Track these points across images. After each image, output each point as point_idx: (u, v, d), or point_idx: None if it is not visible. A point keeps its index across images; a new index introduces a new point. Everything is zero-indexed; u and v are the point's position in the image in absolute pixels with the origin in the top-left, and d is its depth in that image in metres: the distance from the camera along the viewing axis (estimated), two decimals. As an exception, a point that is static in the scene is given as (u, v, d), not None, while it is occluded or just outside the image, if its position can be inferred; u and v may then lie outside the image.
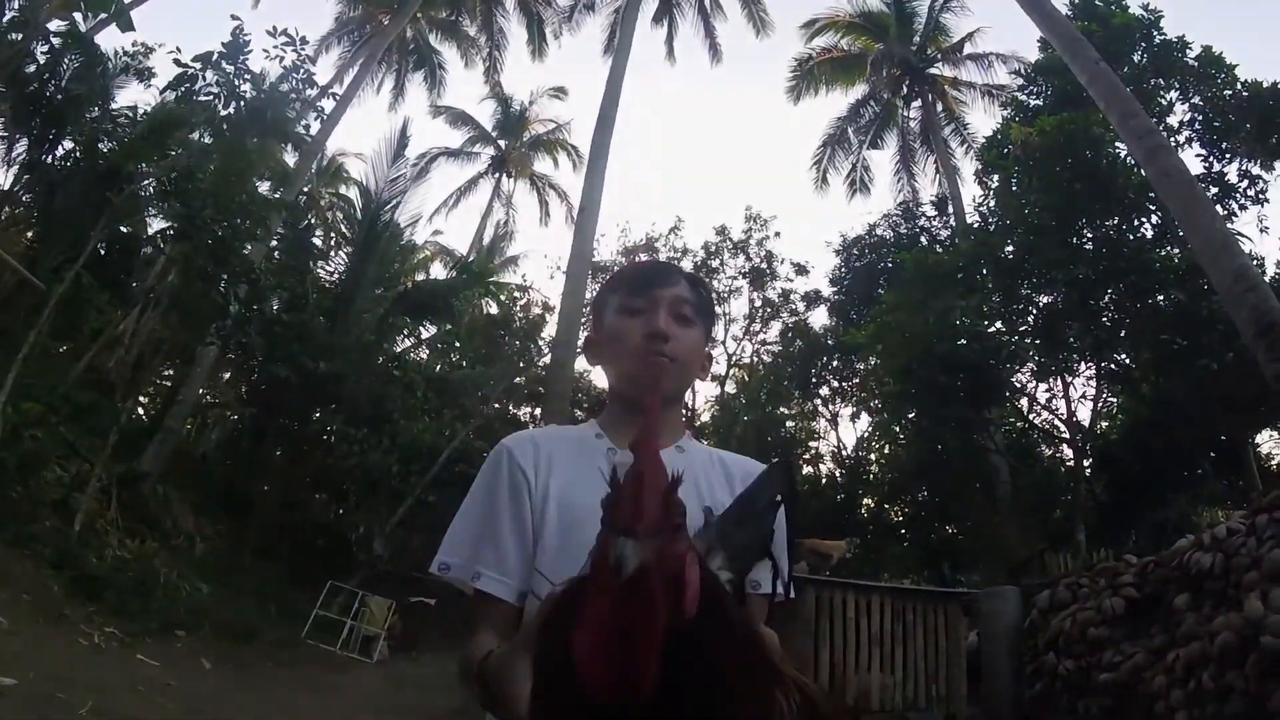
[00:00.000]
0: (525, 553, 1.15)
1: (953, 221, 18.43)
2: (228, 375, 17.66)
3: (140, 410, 15.54)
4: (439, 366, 19.65)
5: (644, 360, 1.20)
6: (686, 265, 22.73)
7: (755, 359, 22.98)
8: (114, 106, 11.89)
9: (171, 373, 15.16)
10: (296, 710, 7.61)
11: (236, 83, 11.17)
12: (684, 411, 1.24)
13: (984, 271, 12.62)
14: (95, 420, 10.44)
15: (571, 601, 0.69)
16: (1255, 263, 8.32)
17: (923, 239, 18.09)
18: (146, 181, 10.97)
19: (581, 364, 14.41)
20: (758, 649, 0.75)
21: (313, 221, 16.92)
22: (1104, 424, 14.88)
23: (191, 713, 6.11)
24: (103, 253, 11.35)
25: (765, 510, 1.06)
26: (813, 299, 21.61)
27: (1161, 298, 11.00)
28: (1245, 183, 11.33)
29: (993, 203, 13.40)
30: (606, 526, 0.62)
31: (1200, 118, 11.41)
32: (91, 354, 10.56)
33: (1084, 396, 13.34)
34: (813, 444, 21.93)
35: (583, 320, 14.48)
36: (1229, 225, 8.16)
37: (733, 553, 0.95)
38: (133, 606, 8.19)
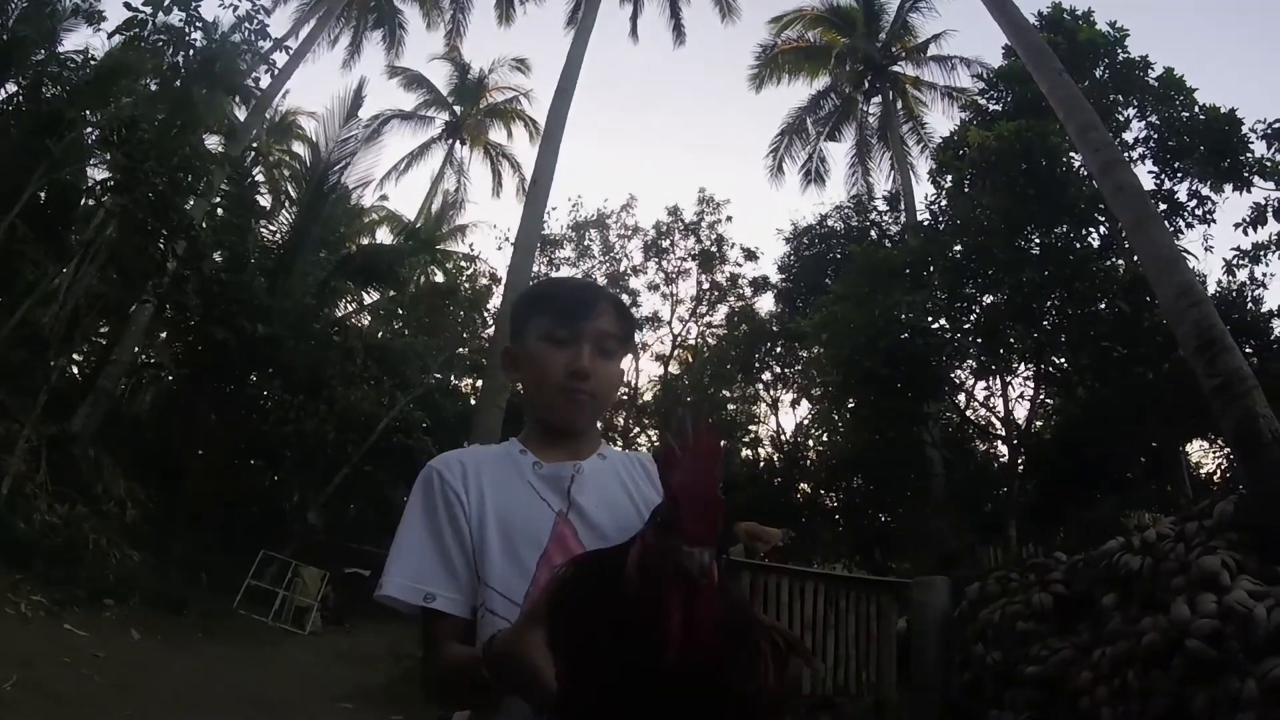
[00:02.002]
0: (470, 569, 1.18)
1: (904, 218, 18.70)
2: (164, 335, 16.99)
3: (74, 370, 14.92)
4: (380, 334, 19.27)
5: (565, 396, 1.27)
6: (636, 244, 22.77)
7: (700, 341, 23.09)
8: (61, 51, 11.27)
9: (106, 331, 14.51)
10: (226, 682, 7.44)
11: (187, 30, 10.66)
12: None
13: (931, 269, 12.83)
14: (26, 379, 9.97)
15: (578, 579, 0.94)
16: (1199, 279, 8.62)
17: (873, 233, 18.32)
18: (89, 130, 10.42)
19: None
20: (747, 609, 0.97)
21: (258, 179, 16.28)
22: (1039, 424, 15.35)
23: (119, 685, 5.92)
24: (42, 202, 10.75)
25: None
26: (760, 285, 21.74)
27: (1104, 306, 11.35)
28: (1194, 202, 11.68)
29: (944, 202, 13.61)
30: (679, 538, 0.81)
31: (1155, 136, 11.70)
32: (24, 309, 10.02)
33: (1021, 396, 13.76)
34: (752, 428, 22.20)
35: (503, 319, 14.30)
36: (1176, 242, 8.43)
37: None
38: (60, 574, 7.95)
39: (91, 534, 9.05)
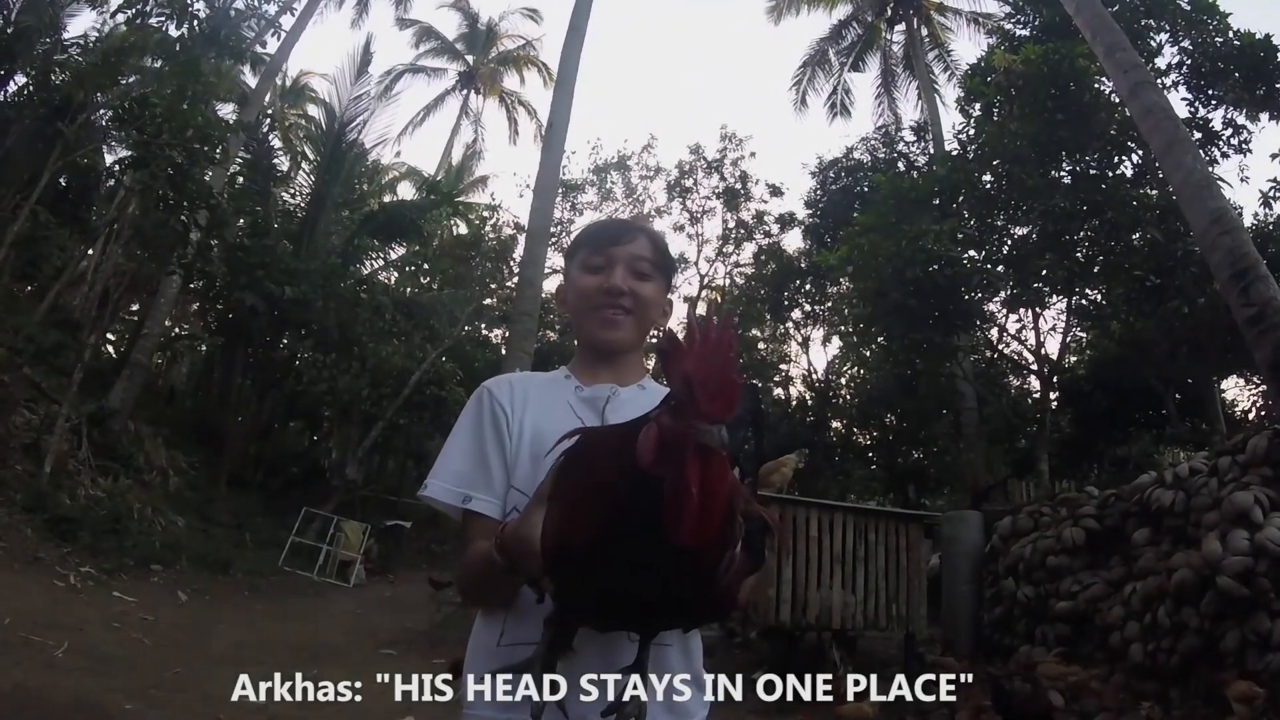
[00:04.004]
0: (507, 477, 1.27)
1: (931, 148, 18.17)
2: (195, 306, 17.26)
3: (109, 347, 15.23)
4: (408, 289, 19.34)
5: (600, 315, 1.35)
6: (659, 184, 22.43)
7: (728, 280, 22.87)
8: (66, 37, 11.25)
9: (136, 307, 14.76)
10: (272, 637, 7.68)
11: (189, 0, 10.54)
12: (656, 331, 1.41)
13: (960, 199, 12.51)
14: (61, 360, 10.22)
15: (581, 451, 0.98)
16: (1234, 210, 8.30)
17: (900, 164, 17.86)
18: (102, 111, 10.45)
19: (549, 285, 14.23)
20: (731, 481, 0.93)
21: (274, 144, 16.27)
22: (1072, 358, 15.10)
23: (168, 645, 6.15)
24: (63, 187, 10.86)
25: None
26: (787, 221, 21.31)
27: (1136, 236, 11.01)
28: (1229, 131, 11.22)
29: (972, 131, 13.19)
30: (697, 416, 0.81)
31: (1188, 62, 11.16)
32: (55, 292, 10.23)
33: (1054, 329, 13.49)
34: (783, 367, 22.07)
35: (551, 240, 14.23)
36: (1209, 169, 8.12)
37: None
38: (108, 545, 8.20)
39: (136, 503, 9.36)
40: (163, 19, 10.52)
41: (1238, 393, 14.07)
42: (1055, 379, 13.23)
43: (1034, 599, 7.20)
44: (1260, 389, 12.03)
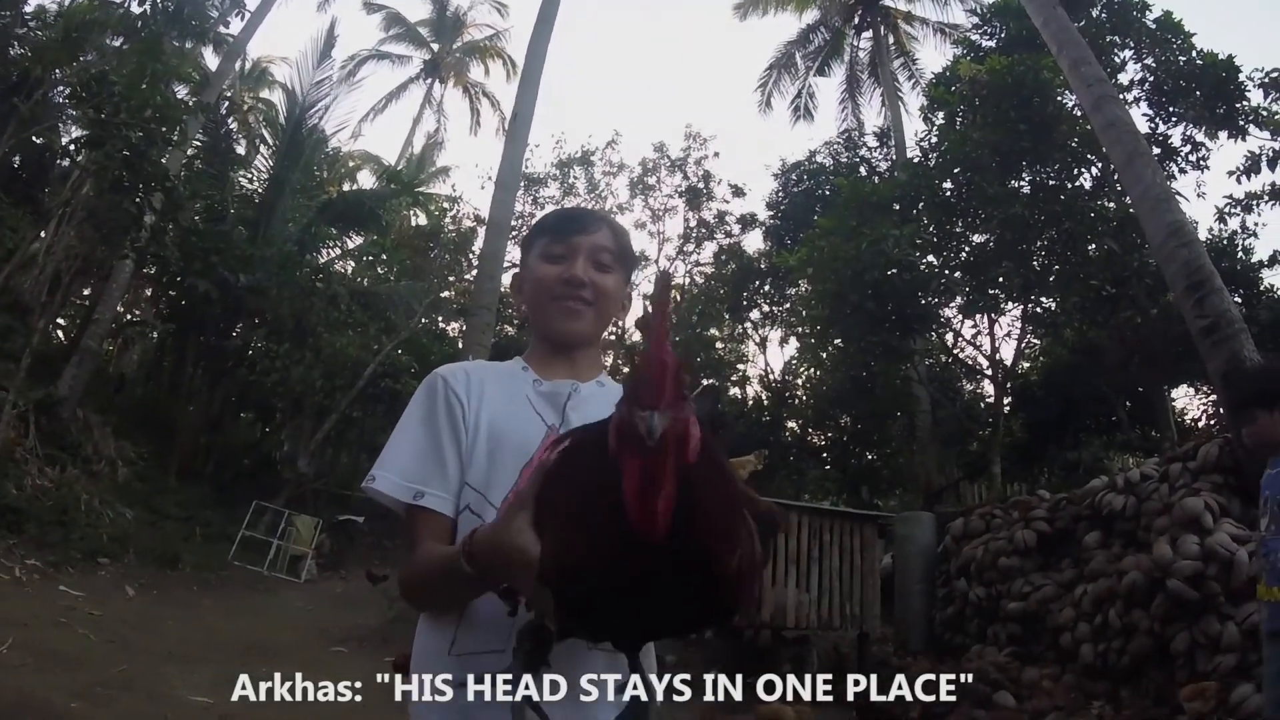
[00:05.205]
0: (460, 471, 1.21)
1: (893, 154, 18.42)
2: (147, 292, 16.76)
3: (59, 332, 14.73)
4: (364, 279, 19.04)
5: (559, 305, 1.31)
6: (622, 180, 22.35)
7: (687, 279, 22.90)
8: (26, 10, 10.82)
9: (89, 291, 14.29)
10: (221, 633, 7.51)
11: (153, -25, 10.23)
12: (614, 330, 1.29)
13: (920, 205, 12.69)
14: (9, 344, 9.86)
15: (567, 457, 0.94)
16: (1191, 224, 8.53)
17: (862, 169, 18.06)
18: (60, 89, 10.07)
19: (509, 278, 14.07)
20: (731, 479, 0.92)
21: (233, 127, 15.87)
22: (1025, 364, 15.40)
23: (115, 642, 5.99)
24: (16, 166, 10.44)
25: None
26: (748, 222, 21.37)
27: (1093, 247, 11.27)
28: (1188, 148, 11.54)
29: (935, 138, 13.38)
30: (635, 403, 0.78)
31: (1151, 79, 11.45)
32: (5, 275, 9.85)
33: (1009, 335, 13.72)
34: (741, 366, 22.16)
35: (512, 234, 14.07)
36: (1168, 185, 8.35)
37: None
38: (54, 537, 8.01)
39: (83, 494, 9.10)
40: (125, -3, 10.20)
41: (1188, 401, 14.51)
42: (1008, 384, 13.49)
43: (986, 599, 7.35)
44: (1211, 398, 12.39)
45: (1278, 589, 2.79)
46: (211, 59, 15.59)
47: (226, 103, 15.62)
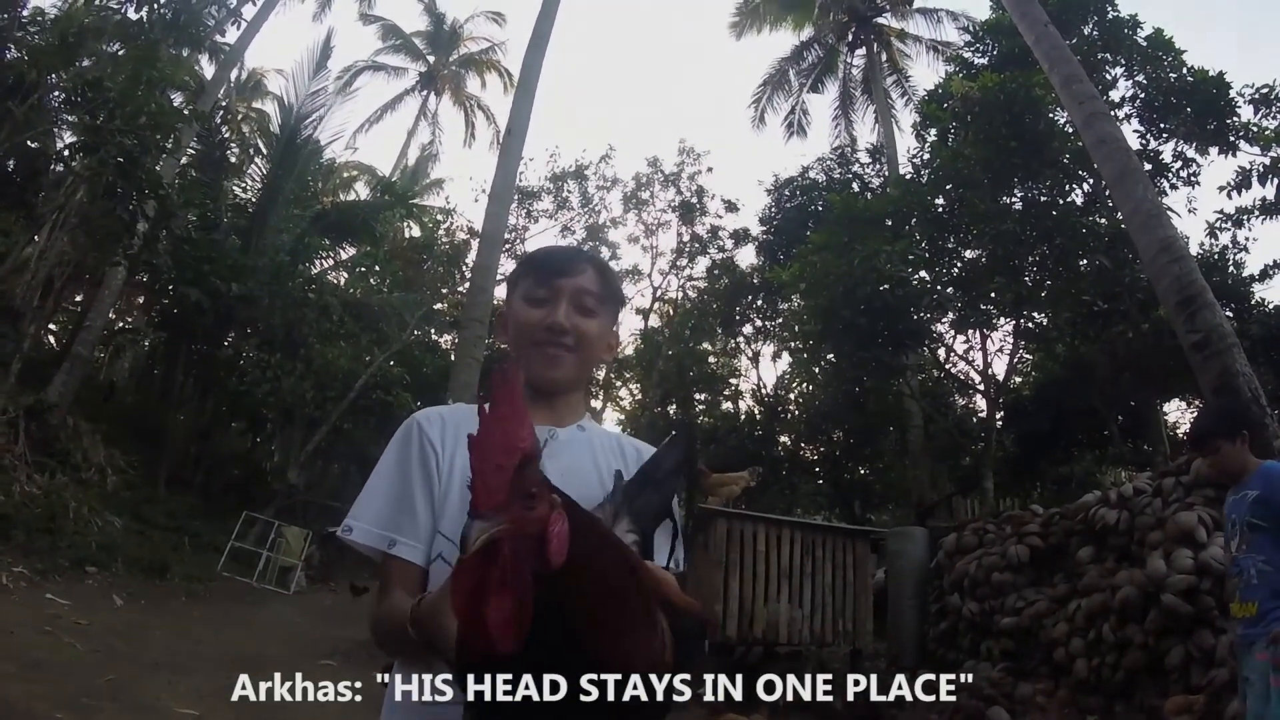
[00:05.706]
0: (432, 520, 1.21)
1: (886, 171, 18.54)
2: (139, 299, 16.70)
3: (50, 338, 14.64)
4: (357, 290, 18.99)
5: (540, 351, 1.29)
6: (615, 196, 22.42)
7: (680, 294, 22.94)
8: (23, 15, 10.80)
9: (80, 298, 14.23)
10: (209, 644, 7.42)
11: (151, -18, 10.25)
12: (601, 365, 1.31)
13: (912, 221, 12.76)
14: (-1, 350, 9.80)
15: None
16: (1182, 240, 8.60)
17: (855, 185, 18.16)
18: (55, 93, 10.06)
19: (501, 291, 14.11)
20: (638, 583, 0.85)
21: (227, 136, 15.88)
22: (1017, 379, 15.47)
23: (101, 651, 5.91)
24: (10, 170, 10.40)
25: (667, 476, 1.17)
26: (741, 237, 21.44)
27: (1085, 263, 11.35)
28: (1179, 164, 11.64)
29: (927, 155, 13.47)
30: (469, 510, 0.73)
31: (1143, 96, 11.56)
32: (-3, 280, 9.81)
33: (1000, 350, 13.82)
34: (733, 381, 22.20)
35: (505, 246, 14.08)
36: (1160, 201, 8.41)
37: (636, 515, 1.08)
38: (42, 544, 7.94)
39: (72, 502, 9.02)
40: (123, 1, 10.18)
41: (1180, 415, 14.59)
42: (1001, 399, 13.53)
43: (979, 614, 7.32)
44: (1204, 411, 12.42)
45: (1251, 605, 2.91)
46: (207, 67, 15.67)
47: (221, 111, 15.62)
